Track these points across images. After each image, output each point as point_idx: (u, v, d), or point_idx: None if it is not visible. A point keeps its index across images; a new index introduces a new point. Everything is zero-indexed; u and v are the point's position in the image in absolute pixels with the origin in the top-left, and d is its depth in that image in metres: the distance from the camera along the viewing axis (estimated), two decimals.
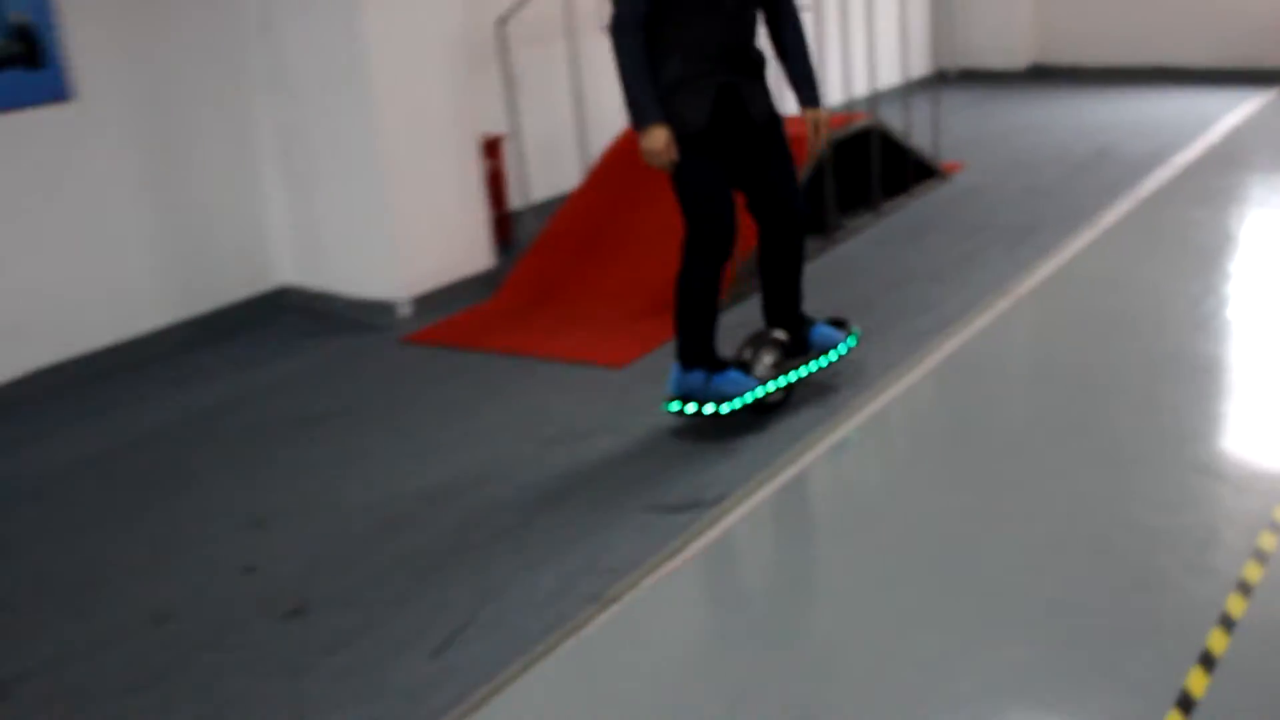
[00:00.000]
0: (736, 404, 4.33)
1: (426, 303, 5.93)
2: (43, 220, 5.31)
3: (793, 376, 4.53)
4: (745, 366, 4.49)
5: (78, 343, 5.44)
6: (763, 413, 4.47)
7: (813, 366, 4.61)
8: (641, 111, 4.15)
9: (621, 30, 4.14)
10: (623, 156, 6.40)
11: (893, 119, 7.36)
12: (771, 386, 4.45)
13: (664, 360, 4.68)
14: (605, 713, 3.00)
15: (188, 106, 5.77)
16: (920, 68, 10.38)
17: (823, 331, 4.70)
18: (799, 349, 4.67)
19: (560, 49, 6.66)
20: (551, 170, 7.00)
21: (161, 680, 3.25)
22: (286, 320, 6.09)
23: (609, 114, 6.49)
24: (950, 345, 4.99)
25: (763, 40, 4.40)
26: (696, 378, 4.37)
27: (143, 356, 5.63)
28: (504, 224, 6.73)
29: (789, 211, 4.51)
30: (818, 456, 4.19)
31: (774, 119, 4.42)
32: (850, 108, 7.30)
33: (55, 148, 5.31)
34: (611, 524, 3.81)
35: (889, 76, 8.22)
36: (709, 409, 4.32)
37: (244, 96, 5.99)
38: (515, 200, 6.83)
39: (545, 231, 6.25)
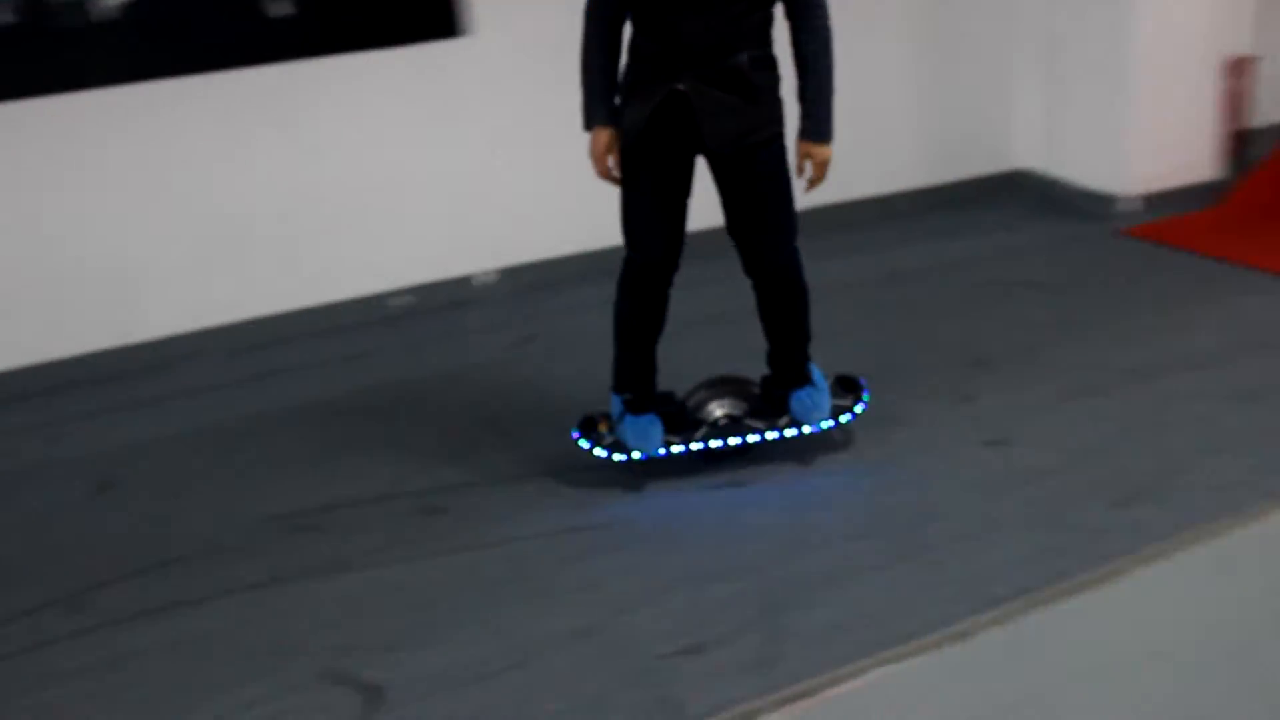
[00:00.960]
0: (634, 457, 3.59)
1: (1148, 201, 5.90)
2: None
3: (732, 439, 3.65)
4: (682, 411, 3.67)
5: (847, 191, 5.99)
6: (711, 460, 3.71)
7: (773, 435, 3.66)
8: (585, 111, 3.39)
9: (588, 17, 3.35)
10: None
11: None
12: (696, 446, 3.62)
13: None
14: (1232, 610, 3.04)
15: (961, 6, 6.09)
16: None
17: (806, 401, 3.65)
18: (772, 410, 3.71)
19: None
20: None
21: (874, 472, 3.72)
22: (1016, 199, 6.27)
23: None
24: None
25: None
26: (615, 405, 3.66)
27: (894, 211, 6.12)
28: (1240, 140, 6.45)
29: (761, 263, 3.52)
30: None
31: (749, 149, 3.32)
32: None
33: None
34: None
35: None
36: (600, 453, 3.61)
37: (1013, 3, 6.18)
38: (1261, 119, 6.51)
39: None
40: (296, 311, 5.13)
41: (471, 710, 2.75)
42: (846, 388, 3.81)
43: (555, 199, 5.37)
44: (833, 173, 3.48)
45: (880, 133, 6.02)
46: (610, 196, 3.52)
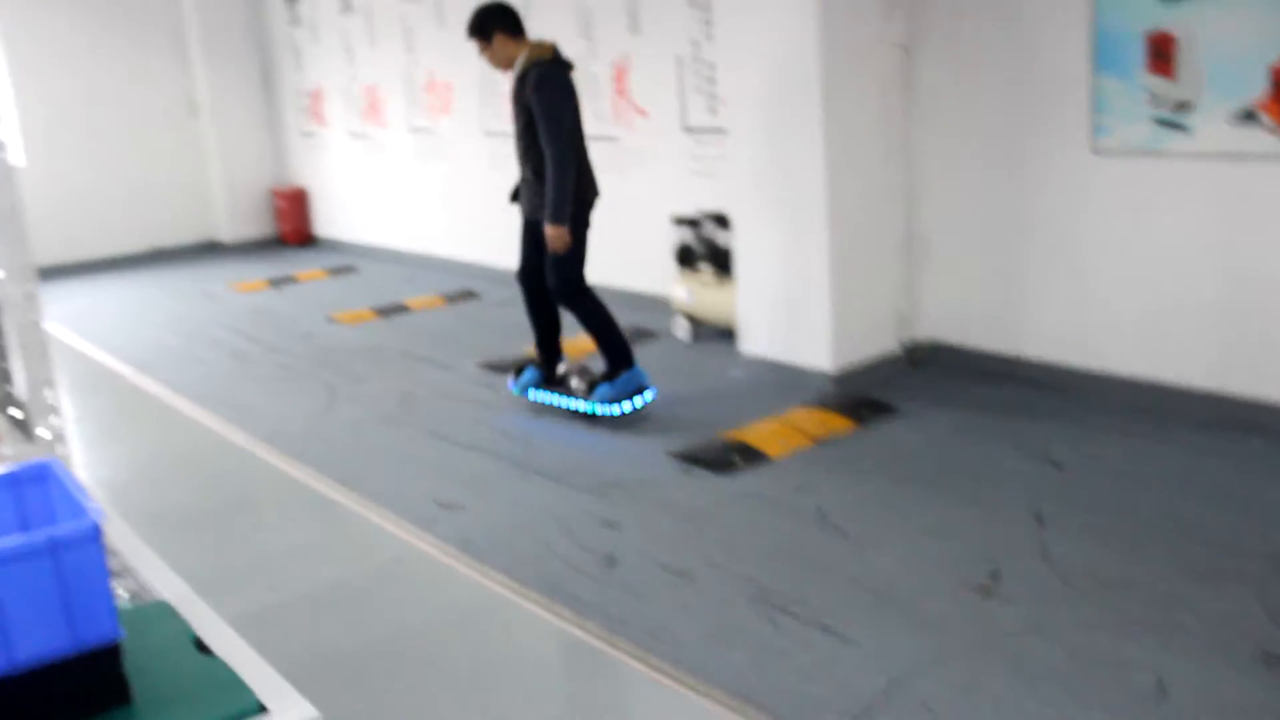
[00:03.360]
0: (519, 391, 5.66)
1: None
2: None
3: (566, 401, 5.50)
4: (553, 376, 5.60)
5: None
6: (590, 420, 5.41)
7: (584, 407, 5.38)
8: None
9: None
10: None
11: None
12: (539, 397, 5.61)
13: None
14: None
15: None
16: None
17: (600, 391, 5.33)
18: (590, 392, 5.37)
19: None
20: None
21: None
22: None
23: None
24: None
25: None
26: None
27: None
28: None
29: (551, 286, 5.34)
30: None
31: (538, 221, 5.28)
32: None
33: None
34: None
35: None
36: (510, 385, 5.78)
37: None
38: None
39: None
40: None
41: None
42: (638, 391, 5.34)
43: None
44: None
45: None
46: None
